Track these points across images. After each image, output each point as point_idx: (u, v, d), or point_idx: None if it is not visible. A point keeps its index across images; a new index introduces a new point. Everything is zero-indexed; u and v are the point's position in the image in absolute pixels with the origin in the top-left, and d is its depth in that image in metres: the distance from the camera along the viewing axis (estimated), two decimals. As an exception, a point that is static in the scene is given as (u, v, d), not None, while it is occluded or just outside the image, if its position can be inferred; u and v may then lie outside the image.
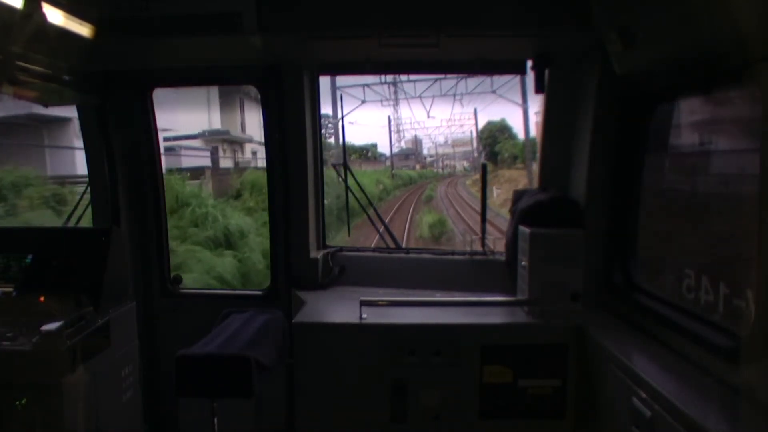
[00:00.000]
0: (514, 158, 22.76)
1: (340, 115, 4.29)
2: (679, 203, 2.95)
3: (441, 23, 2.90)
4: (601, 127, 3.07)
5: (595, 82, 3.05)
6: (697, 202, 2.82)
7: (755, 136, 1.83)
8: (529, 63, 3.39)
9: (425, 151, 30.85)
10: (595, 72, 3.04)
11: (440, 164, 30.94)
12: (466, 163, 29.19)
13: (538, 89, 3.39)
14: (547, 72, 3.35)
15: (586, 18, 2.63)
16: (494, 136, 24.60)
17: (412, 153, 30.06)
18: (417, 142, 29.41)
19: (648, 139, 2.90)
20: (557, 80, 3.34)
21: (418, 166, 30.21)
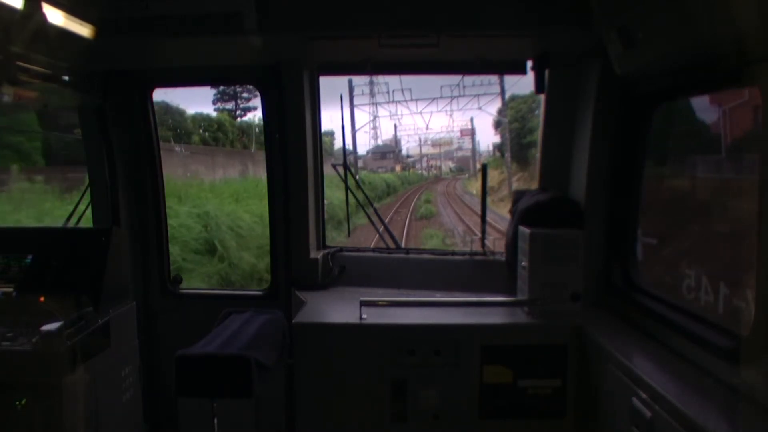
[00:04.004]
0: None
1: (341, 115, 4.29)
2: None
3: (441, 23, 2.90)
4: (601, 127, 3.07)
5: (595, 82, 3.05)
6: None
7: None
8: (529, 63, 3.40)
9: (404, 151, 25.90)
10: (595, 72, 3.04)
11: (425, 164, 27.22)
12: (451, 164, 27.70)
13: (538, 89, 3.39)
14: (547, 72, 3.35)
15: (586, 18, 2.63)
16: (523, 118, 16.32)
17: (390, 151, 24.81)
18: (397, 140, 24.49)
19: (648, 139, 2.91)
20: (557, 80, 3.34)
21: (398, 167, 25.02)
